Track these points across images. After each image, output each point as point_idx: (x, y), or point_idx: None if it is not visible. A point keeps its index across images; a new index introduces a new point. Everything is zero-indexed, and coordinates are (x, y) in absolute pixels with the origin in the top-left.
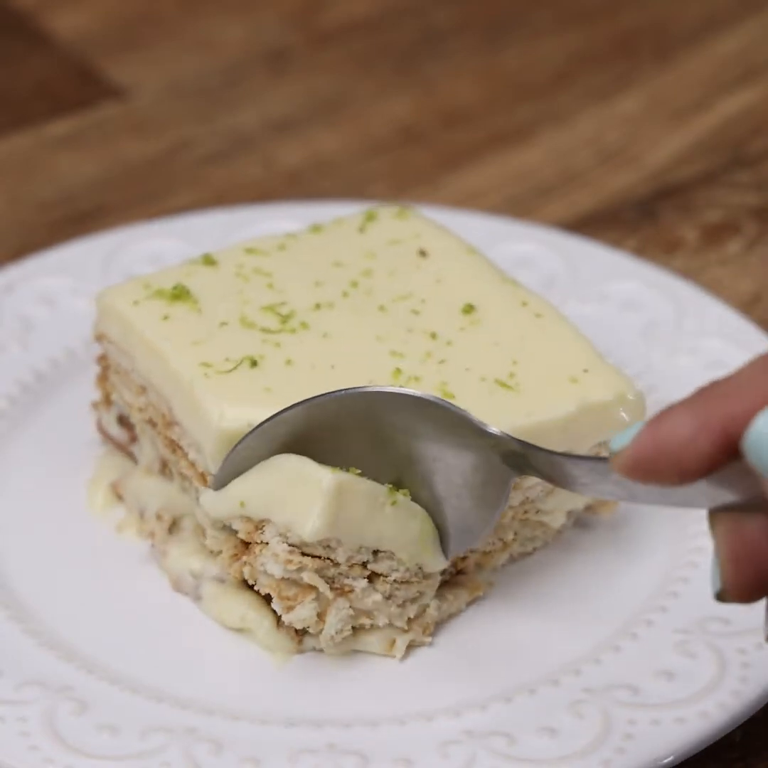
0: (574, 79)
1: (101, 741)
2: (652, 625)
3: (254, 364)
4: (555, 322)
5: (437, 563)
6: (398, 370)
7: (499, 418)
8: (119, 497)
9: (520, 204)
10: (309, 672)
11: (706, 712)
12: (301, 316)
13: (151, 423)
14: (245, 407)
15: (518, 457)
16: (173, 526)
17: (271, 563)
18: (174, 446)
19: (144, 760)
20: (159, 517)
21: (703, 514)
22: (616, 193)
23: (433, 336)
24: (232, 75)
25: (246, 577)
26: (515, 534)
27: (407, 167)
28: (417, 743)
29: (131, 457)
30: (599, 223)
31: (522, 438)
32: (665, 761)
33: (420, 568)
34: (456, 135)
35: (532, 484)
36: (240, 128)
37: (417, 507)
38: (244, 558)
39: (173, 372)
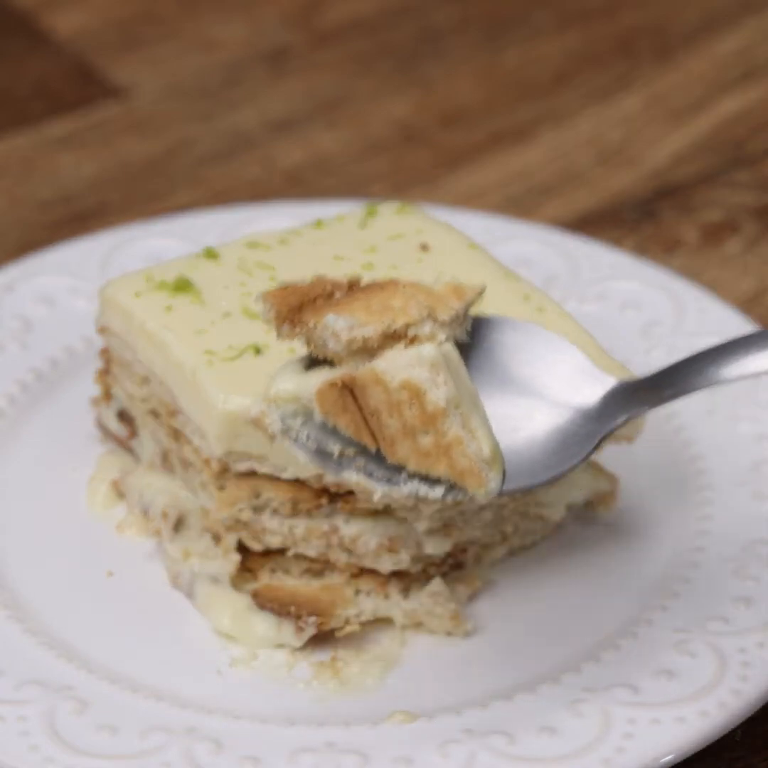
0: (574, 79)
1: (101, 741)
2: (653, 624)
3: (258, 352)
4: (557, 316)
5: (493, 485)
6: None
7: None
8: (120, 495)
9: (520, 204)
10: (308, 671)
11: (706, 711)
12: None
13: (154, 413)
14: (249, 392)
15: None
16: (178, 524)
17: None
18: (177, 435)
19: (144, 760)
20: (164, 515)
21: (706, 513)
22: (616, 193)
23: None
24: (232, 75)
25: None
26: (515, 527)
27: (407, 167)
28: (417, 742)
29: (130, 452)
30: (599, 223)
31: None
32: (665, 760)
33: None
34: (456, 135)
35: None
36: (240, 128)
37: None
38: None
39: (176, 360)
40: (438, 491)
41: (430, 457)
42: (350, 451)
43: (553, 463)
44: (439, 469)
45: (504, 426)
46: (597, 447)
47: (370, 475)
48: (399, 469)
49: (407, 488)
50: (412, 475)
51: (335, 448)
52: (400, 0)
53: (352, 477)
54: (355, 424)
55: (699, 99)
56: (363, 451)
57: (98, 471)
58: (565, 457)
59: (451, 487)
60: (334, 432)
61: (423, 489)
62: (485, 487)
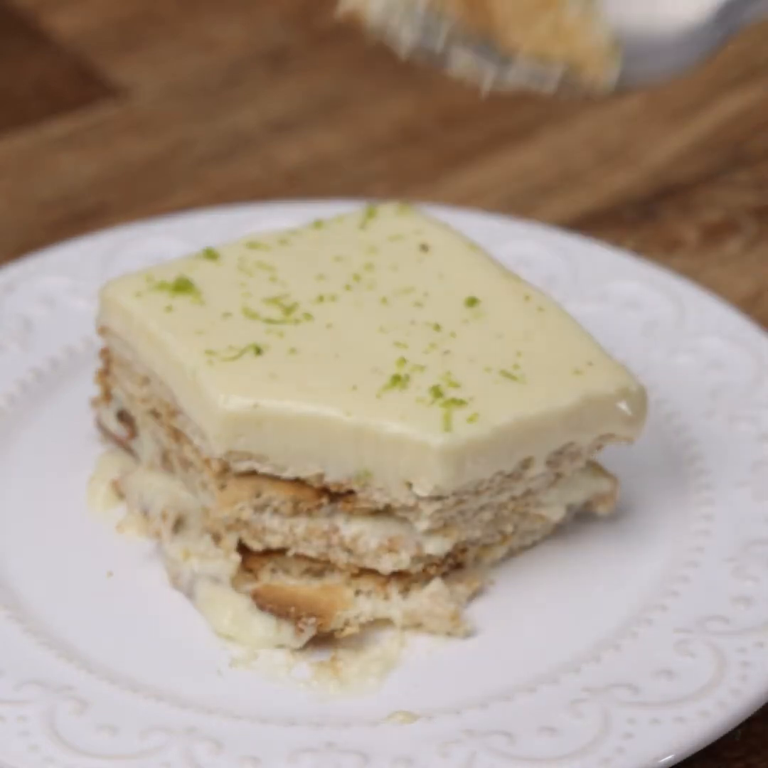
0: None
1: (101, 741)
2: (652, 624)
3: (258, 352)
4: (558, 316)
5: (612, 73)
6: (402, 360)
7: (505, 406)
8: (120, 495)
9: (520, 204)
10: (308, 671)
11: (706, 710)
12: (305, 307)
13: (154, 414)
14: (250, 392)
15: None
16: (178, 524)
17: None
18: (177, 435)
19: (144, 760)
20: (164, 515)
21: (706, 513)
22: (616, 192)
23: (437, 327)
24: (232, 75)
25: None
26: (515, 527)
27: (407, 167)
28: (417, 742)
29: (130, 452)
30: (599, 223)
31: (526, 428)
32: (665, 760)
33: None
34: (456, 135)
35: (535, 475)
36: (240, 128)
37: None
38: None
39: (177, 361)
40: (552, 78)
41: (546, 42)
42: (456, 42)
43: (677, 56)
44: (557, 53)
45: (627, 18)
46: (723, 45)
47: (479, 61)
48: (509, 60)
49: (520, 71)
50: (524, 66)
51: (439, 40)
52: None
53: (461, 62)
54: (466, 5)
55: (699, 99)
56: (470, 42)
57: (98, 471)
58: (688, 52)
59: (565, 76)
60: (438, 23)
61: (537, 74)
62: (604, 73)
